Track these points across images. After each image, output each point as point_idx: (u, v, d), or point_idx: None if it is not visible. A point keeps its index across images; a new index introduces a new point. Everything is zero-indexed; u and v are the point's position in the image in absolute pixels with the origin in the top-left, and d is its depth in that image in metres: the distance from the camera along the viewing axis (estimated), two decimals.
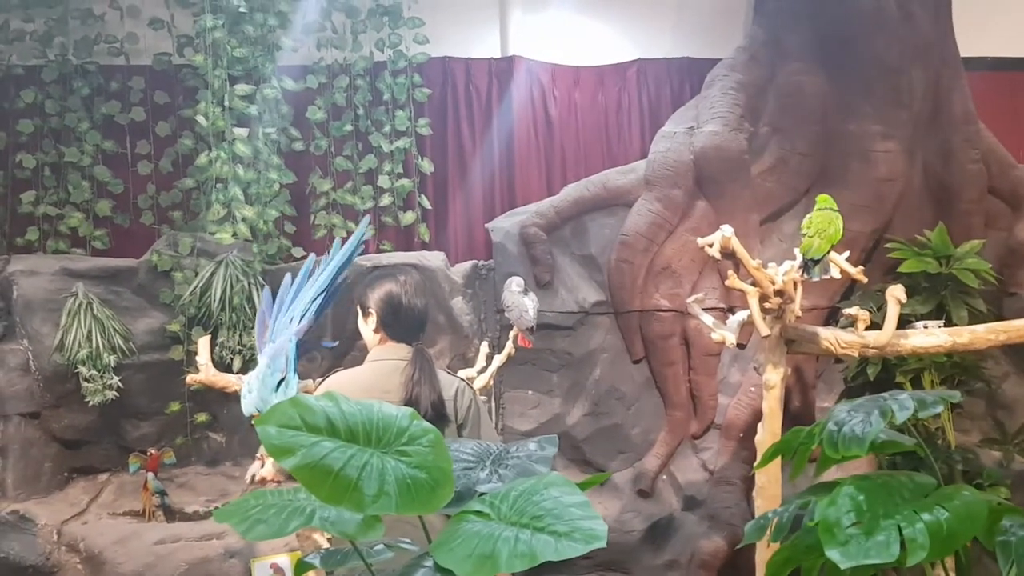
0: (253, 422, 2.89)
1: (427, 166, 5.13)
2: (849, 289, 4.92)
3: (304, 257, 4.93)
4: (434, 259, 4.86)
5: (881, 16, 4.84)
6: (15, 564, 4.29)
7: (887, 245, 4.78)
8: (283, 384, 3.13)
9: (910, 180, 4.95)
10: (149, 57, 5.00)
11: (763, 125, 4.96)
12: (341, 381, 2.72)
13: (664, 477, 4.92)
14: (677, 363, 4.88)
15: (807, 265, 3.42)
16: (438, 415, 2.64)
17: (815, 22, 4.96)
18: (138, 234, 4.97)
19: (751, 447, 4.82)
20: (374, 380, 2.67)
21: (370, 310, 2.79)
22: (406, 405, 2.46)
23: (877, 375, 4.67)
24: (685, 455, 4.96)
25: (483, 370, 4.05)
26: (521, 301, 3.76)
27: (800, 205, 5.00)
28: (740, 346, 4.65)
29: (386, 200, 5.10)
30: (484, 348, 4.05)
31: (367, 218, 3.70)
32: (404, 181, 5.11)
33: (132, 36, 4.97)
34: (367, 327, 2.83)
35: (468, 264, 4.99)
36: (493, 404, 4.77)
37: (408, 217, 5.11)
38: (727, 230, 3.40)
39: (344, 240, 3.22)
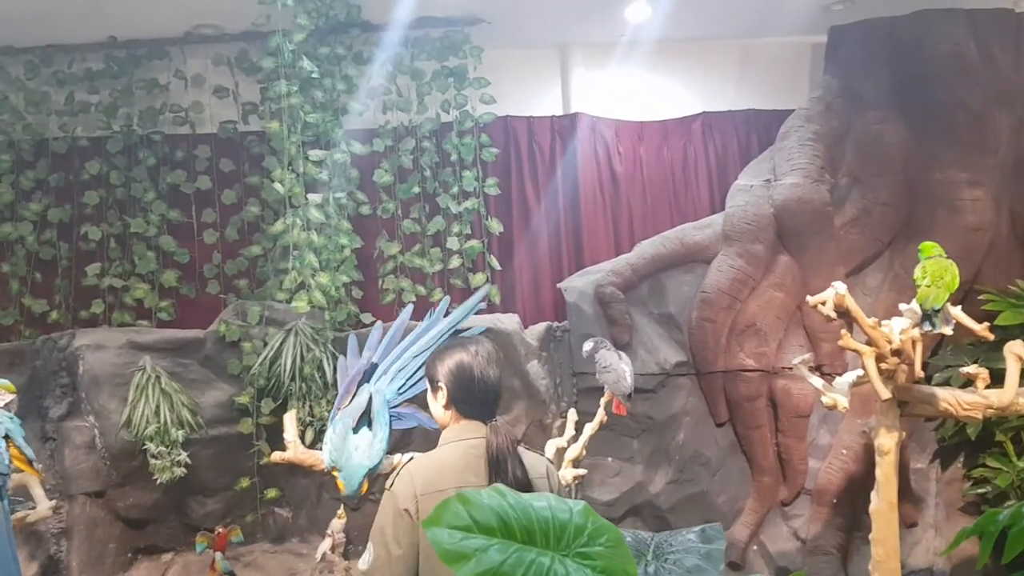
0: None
1: (496, 226, 5.01)
2: (938, 344, 4.71)
3: (372, 323, 4.81)
4: (508, 322, 4.71)
5: (960, 60, 4.71)
6: None
7: (980, 297, 4.57)
8: (362, 432, 3.03)
9: (998, 228, 4.77)
10: (214, 125, 4.95)
11: (842, 176, 4.82)
12: (425, 466, 2.36)
13: (754, 547, 4.67)
14: (764, 425, 4.67)
15: (927, 317, 3.22)
16: None
17: (891, 69, 4.85)
18: (204, 304, 4.87)
19: (845, 514, 4.60)
20: (463, 463, 2.33)
21: (439, 384, 2.44)
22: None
23: (977, 433, 4.44)
24: (775, 523, 4.72)
25: (573, 439, 3.87)
26: (618, 365, 3.58)
27: (883, 257, 4.84)
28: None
29: (455, 262, 4.98)
30: (572, 415, 3.87)
31: (487, 287, 3.60)
32: (473, 242, 4.99)
33: (197, 105, 4.93)
34: (437, 404, 2.48)
35: (542, 326, 4.84)
36: None
37: (478, 279, 4.98)
38: (840, 287, 3.22)
39: (425, 305, 3.08)
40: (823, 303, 3.25)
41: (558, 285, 4.93)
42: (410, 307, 3.35)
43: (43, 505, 3.73)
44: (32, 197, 4.82)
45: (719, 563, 1.83)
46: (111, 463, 4.41)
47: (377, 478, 3.22)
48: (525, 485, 2.33)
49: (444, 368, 2.43)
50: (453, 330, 3.12)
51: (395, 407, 3.21)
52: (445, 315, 3.26)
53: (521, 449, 2.45)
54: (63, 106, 4.86)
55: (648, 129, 5.34)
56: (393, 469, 3.32)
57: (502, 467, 2.28)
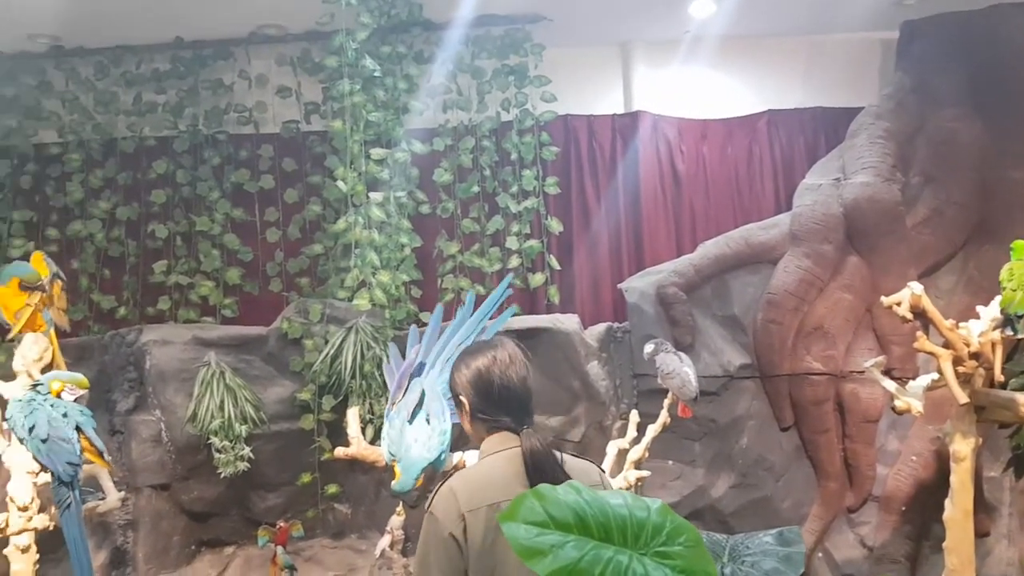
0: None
1: (555, 226, 4.98)
2: (1014, 348, 4.54)
3: None
4: (569, 322, 4.67)
5: None
6: None
7: None
8: (419, 424, 2.98)
9: None
10: (277, 125, 5.01)
11: (914, 175, 4.69)
12: (469, 481, 2.13)
13: (820, 555, 4.55)
14: (831, 430, 4.55)
15: (1010, 321, 3.10)
16: None
17: (965, 65, 4.70)
18: (266, 302, 4.92)
19: (914, 521, 4.46)
20: (511, 472, 2.10)
21: (461, 398, 2.20)
22: None
23: None
24: (840, 530, 4.59)
25: (636, 440, 3.82)
26: (681, 369, 3.52)
27: (957, 259, 4.69)
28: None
29: (514, 262, 4.96)
30: (635, 416, 3.81)
31: (510, 276, 3.58)
32: (532, 242, 4.96)
33: (260, 105, 4.99)
34: (465, 419, 2.24)
35: (602, 327, 4.78)
36: None
37: (537, 279, 4.94)
38: (917, 287, 3.12)
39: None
40: (898, 304, 3.14)
41: (619, 286, 4.87)
42: (440, 308, 3.27)
43: (112, 496, 3.80)
44: (101, 195, 4.93)
45: (799, 567, 1.77)
46: (176, 457, 4.48)
47: (434, 476, 3.22)
48: None
49: (463, 379, 2.21)
50: (487, 316, 3.07)
51: (450, 399, 3.12)
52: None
53: (569, 457, 2.21)
54: (131, 106, 4.96)
55: (711, 127, 5.25)
56: (455, 469, 3.31)
57: (542, 475, 2.03)
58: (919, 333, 3.15)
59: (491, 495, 2.05)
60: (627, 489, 3.63)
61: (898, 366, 4.47)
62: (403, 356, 3.18)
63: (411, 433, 3.03)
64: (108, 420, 4.51)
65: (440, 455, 2.99)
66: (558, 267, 5.00)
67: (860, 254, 4.58)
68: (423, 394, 3.13)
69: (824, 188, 4.65)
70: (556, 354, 4.66)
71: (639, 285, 4.73)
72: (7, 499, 3.47)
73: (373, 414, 4.47)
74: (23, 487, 3.45)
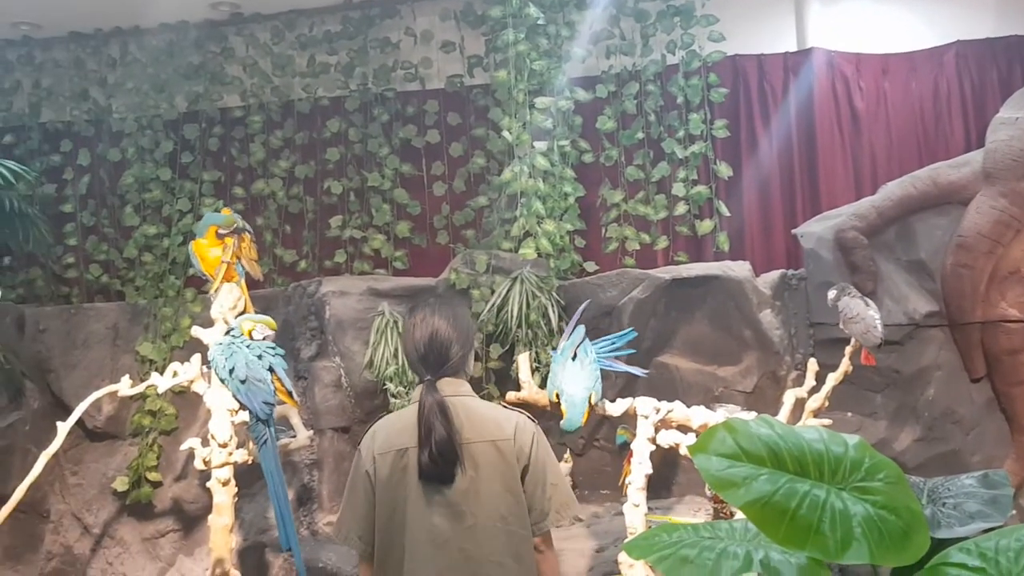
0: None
1: (725, 170, 4.82)
2: None
3: (596, 272, 4.80)
4: (739, 269, 4.53)
5: None
6: (333, 573, 4.42)
7: None
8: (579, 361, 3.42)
9: None
10: (442, 80, 5.09)
11: None
12: (386, 425, 2.48)
13: (1012, 512, 4.24)
14: None
15: None
16: (446, 460, 2.29)
17: None
18: (434, 254, 5.06)
19: None
20: (413, 424, 2.37)
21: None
22: (419, 449, 2.31)
23: None
24: None
25: (814, 390, 3.68)
26: (866, 313, 3.34)
27: None
28: None
29: (680, 209, 4.84)
30: (813, 364, 3.67)
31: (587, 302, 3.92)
32: (700, 188, 4.82)
33: (426, 61, 5.08)
34: None
35: (776, 274, 4.61)
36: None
37: (705, 226, 4.81)
38: None
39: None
40: None
41: (793, 231, 4.67)
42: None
43: (302, 434, 4.05)
44: (281, 155, 5.19)
45: (1007, 510, 1.65)
46: (355, 401, 4.70)
47: (596, 421, 3.37)
48: (444, 445, 2.29)
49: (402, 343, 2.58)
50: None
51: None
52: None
53: (486, 405, 2.46)
54: (306, 68, 5.18)
55: (893, 62, 4.90)
56: (606, 416, 3.41)
57: (426, 425, 2.31)
58: None
59: (398, 442, 2.37)
60: None
61: None
62: None
63: (572, 368, 3.39)
64: (293, 366, 4.77)
65: (595, 384, 3.38)
66: (727, 213, 4.85)
67: None
68: (584, 335, 3.53)
69: (1021, 122, 4.26)
70: (726, 303, 4.55)
71: (816, 230, 4.52)
72: (209, 436, 3.76)
73: (539, 362, 4.52)
74: (223, 425, 3.73)
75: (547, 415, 4.20)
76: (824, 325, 4.32)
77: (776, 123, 4.94)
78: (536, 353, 4.54)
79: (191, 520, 4.84)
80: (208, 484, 3.83)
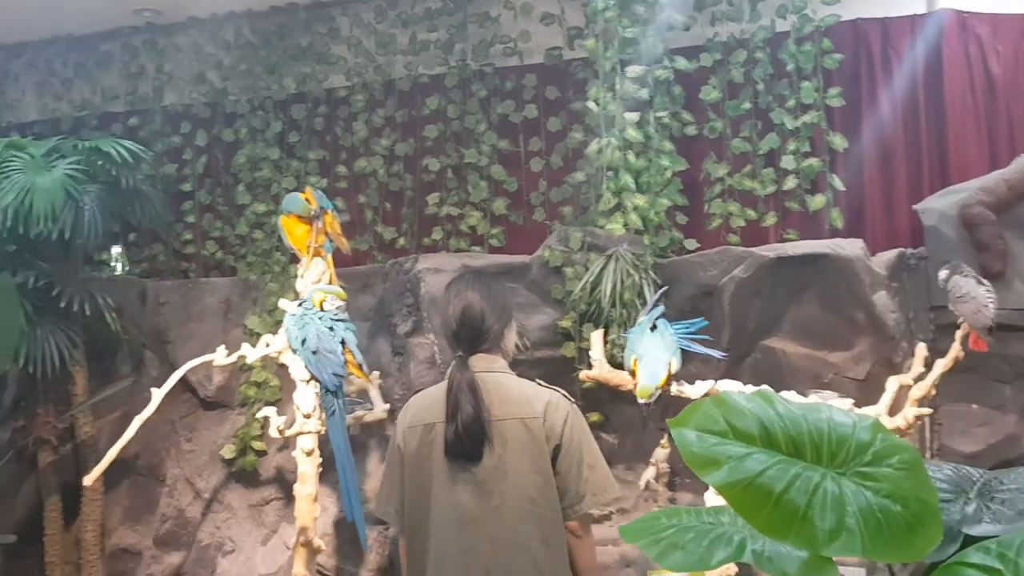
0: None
1: (839, 142, 4.47)
2: None
3: (697, 250, 4.58)
4: (850, 248, 4.20)
5: None
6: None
7: None
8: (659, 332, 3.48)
9: None
10: (540, 54, 4.98)
11: None
12: (419, 399, 2.56)
13: None
14: None
15: None
16: (472, 437, 2.22)
17: None
18: (530, 231, 4.96)
19: None
20: (443, 399, 2.39)
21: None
22: (446, 424, 2.27)
23: None
24: None
25: (921, 376, 3.35)
26: (977, 291, 3.00)
27: None
28: None
29: (790, 183, 4.53)
30: (921, 350, 3.34)
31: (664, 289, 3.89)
32: (812, 161, 4.50)
33: (525, 34, 4.98)
34: None
35: (893, 253, 4.25)
36: (927, 419, 3.97)
37: (817, 201, 4.49)
38: None
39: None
40: None
41: (915, 207, 4.28)
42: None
43: (379, 407, 4.06)
44: (382, 133, 5.23)
45: None
46: None
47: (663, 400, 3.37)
48: (471, 423, 2.23)
49: (438, 321, 2.68)
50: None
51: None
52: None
53: (519, 382, 2.40)
54: (407, 46, 5.19)
55: None
56: (705, 395, 3.26)
57: (453, 404, 2.28)
58: None
59: (427, 416, 2.38)
60: (905, 430, 3.21)
61: None
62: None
63: (652, 339, 3.44)
64: (391, 342, 4.81)
65: (676, 352, 3.42)
66: (842, 188, 4.50)
67: None
68: (663, 308, 3.61)
69: None
70: (836, 283, 4.22)
71: (938, 205, 4.13)
72: (294, 407, 3.84)
73: (611, 344, 4.35)
74: (307, 395, 3.79)
75: (620, 397, 4.09)
76: (946, 308, 3.92)
77: (900, 90, 4.55)
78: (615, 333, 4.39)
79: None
80: (293, 454, 3.90)
